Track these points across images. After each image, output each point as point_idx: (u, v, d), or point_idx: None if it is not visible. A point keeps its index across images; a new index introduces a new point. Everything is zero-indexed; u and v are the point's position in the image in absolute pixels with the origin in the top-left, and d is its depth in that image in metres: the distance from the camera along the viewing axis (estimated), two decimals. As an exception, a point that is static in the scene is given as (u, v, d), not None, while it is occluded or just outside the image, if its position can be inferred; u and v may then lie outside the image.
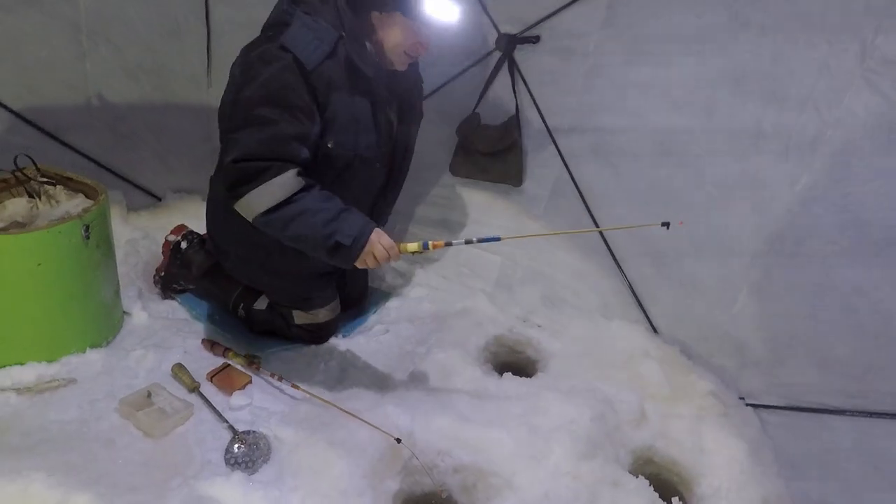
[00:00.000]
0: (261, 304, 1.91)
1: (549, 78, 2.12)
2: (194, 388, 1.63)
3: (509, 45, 2.15)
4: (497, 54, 2.19)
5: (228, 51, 2.38)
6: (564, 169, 2.14)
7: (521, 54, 2.15)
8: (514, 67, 2.16)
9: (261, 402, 1.63)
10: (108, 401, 1.54)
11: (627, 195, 2.02)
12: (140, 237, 2.15)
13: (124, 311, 1.84)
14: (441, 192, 2.41)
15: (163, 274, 2.01)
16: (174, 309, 1.98)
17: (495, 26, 2.16)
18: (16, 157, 1.68)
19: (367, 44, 1.58)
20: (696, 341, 1.99)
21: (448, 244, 1.47)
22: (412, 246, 1.47)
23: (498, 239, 1.50)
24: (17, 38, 2.07)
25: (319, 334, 1.93)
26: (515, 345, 2.06)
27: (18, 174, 1.69)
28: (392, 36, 1.58)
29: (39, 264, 1.52)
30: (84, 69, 2.22)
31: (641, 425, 1.73)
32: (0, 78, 2.07)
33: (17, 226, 1.60)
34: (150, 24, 2.27)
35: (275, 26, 1.52)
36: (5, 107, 2.07)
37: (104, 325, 1.74)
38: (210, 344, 1.81)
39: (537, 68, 2.14)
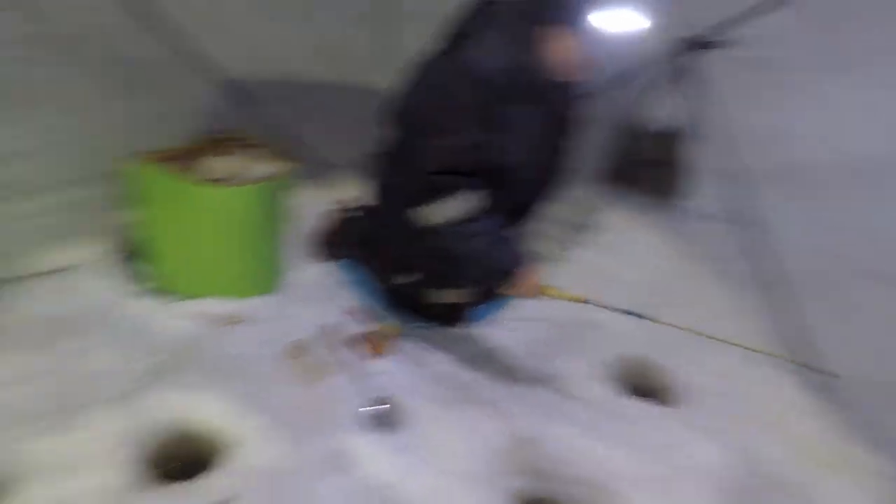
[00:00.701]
0: (408, 278, 2.02)
1: (729, 88, 1.96)
2: (343, 347, 1.78)
3: (688, 49, 2.01)
4: (672, 59, 2.07)
5: (413, 38, 2.52)
6: (733, 190, 1.97)
7: (700, 61, 2.00)
8: (688, 74, 2.03)
9: (398, 373, 1.74)
10: (273, 344, 1.75)
11: (811, 228, 1.81)
12: (309, 203, 2.37)
13: (291, 268, 2.07)
14: (584, 197, 2.36)
15: (326, 237, 2.21)
16: (332, 272, 2.17)
17: (674, 29, 2.03)
18: (228, 122, 1.96)
19: (539, 56, 1.61)
20: (868, 407, 1.73)
21: (586, 302, 1.58)
22: (554, 291, 1.59)
23: (641, 317, 1.59)
24: (236, 16, 2.38)
25: (454, 316, 2.00)
26: (649, 369, 1.97)
27: (229, 136, 1.96)
28: (563, 49, 1.60)
29: (237, 216, 1.76)
30: (287, 47, 2.49)
31: (787, 489, 1.57)
32: (221, 51, 2.39)
33: (220, 181, 1.86)
34: (345, 7, 2.47)
35: (456, 37, 1.62)
36: (224, 77, 2.39)
37: (276, 277, 1.98)
38: (359, 309, 1.97)
39: (716, 77, 1.98)
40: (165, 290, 1.81)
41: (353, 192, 2.31)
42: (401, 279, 2.06)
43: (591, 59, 1.62)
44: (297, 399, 1.59)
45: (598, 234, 2.30)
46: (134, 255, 1.83)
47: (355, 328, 1.89)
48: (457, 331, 2.01)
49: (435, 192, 1.57)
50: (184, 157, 1.80)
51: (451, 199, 1.56)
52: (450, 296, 1.98)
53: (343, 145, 2.61)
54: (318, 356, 1.72)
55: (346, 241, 2.19)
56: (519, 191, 1.78)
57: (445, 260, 1.87)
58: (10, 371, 1.41)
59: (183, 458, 1.45)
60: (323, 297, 2.00)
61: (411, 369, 1.78)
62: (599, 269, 2.20)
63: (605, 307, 1.58)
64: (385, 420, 1.55)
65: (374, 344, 1.84)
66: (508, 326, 2.07)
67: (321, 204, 2.29)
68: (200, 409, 1.49)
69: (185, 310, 1.76)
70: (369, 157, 2.07)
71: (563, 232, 2.34)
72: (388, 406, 1.59)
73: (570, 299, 1.56)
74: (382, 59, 2.56)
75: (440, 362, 1.80)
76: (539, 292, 1.59)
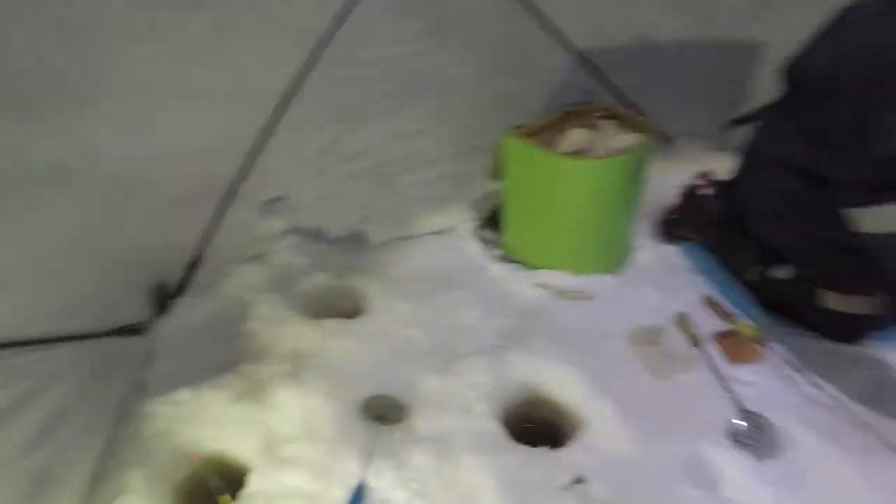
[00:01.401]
0: (781, 272, 1.66)
1: None
2: (697, 344, 1.59)
3: None
4: None
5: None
6: None
7: None
8: None
9: (770, 387, 1.46)
10: (617, 324, 1.67)
11: None
12: (660, 177, 2.16)
13: (636, 247, 1.94)
14: None
15: (674, 217, 2.01)
16: (676, 255, 1.96)
17: None
18: (585, 94, 1.91)
19: None
20: None
21: None
22: None
23: None
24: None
25: (849, 329, 1.56)
26: None
27: (587, 108, 1.92)
28: None
29: (595, 188, 1.72)
30: (635, 7, 2.30)
31: None
32: (572, 23, 2.36)
33: (578, 153, 1.84)
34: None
35: None
36: (577, 49, 2.37)
37: (619, 254, 1.89)
38: (712, 303, 1.73)
39: None
40: (516, 258, 1.92)
41: (711, 165, 2.02)
42: (771, 272, 1.71)
43: None
44: (647, 390, 1.48)
45: None
46: (494, 224, 2.00)
47: (711, 323, 1.66)
48: (851, 348, 1.56)
49: (884, 187, 1.18)
50: (545, 130, 1.85)
51: None
52: (847, 303, 1.54)
53: (702, 113, 2.31)
54: (671, 348, 1.56)
55: (696, 222, 1.94)
56: None
57: (853, 259, 1.45)
58: (406, 314, 1.70)
59: (534, 422, 1.52)
60: (672, 282, 1.82)
61: (787, 387, 1.46)
62: None
63: None
64: (759, 441, 1.31)
65: (731, 346, 1.58)
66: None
67: (673, 179, 2.07)
68: (549, 378, 1.53)
69: (535, 278, 1.84)
70: (736, 126, 1.75)
71: None
72: (763, 425, 1.33)
73: None
74: (762, 8, 2.12)
75: (823, 385, 1.43)
76: None
